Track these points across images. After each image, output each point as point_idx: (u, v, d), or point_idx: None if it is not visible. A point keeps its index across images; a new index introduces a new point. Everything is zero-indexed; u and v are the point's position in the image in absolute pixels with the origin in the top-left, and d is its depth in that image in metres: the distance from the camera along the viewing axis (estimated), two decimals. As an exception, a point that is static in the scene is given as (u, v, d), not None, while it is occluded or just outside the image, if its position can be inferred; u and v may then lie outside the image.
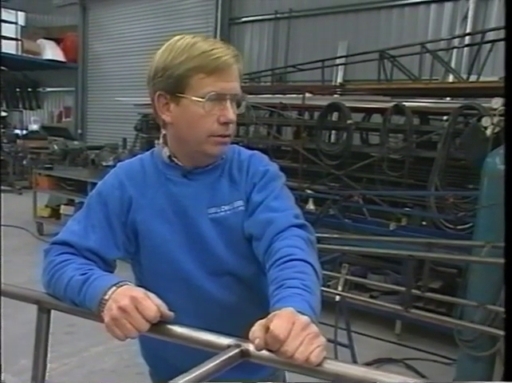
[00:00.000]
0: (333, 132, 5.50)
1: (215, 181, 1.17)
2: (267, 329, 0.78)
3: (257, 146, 4.64)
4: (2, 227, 5.30)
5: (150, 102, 1.15)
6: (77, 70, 11.22)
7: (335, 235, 3.27)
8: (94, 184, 1.22)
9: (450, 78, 5.26)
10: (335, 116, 4.92)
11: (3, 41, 9.73)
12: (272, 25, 7.74)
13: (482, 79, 4.57)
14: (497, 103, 3.19)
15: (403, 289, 2.55)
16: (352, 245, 3.08)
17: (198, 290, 1.15)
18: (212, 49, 1.05)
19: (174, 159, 1.16)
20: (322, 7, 7.08)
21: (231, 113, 1.09)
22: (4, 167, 9.47)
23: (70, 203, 6.15)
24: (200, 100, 1.06)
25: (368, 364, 3.11)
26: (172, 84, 1.07)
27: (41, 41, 11.02)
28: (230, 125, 1.10)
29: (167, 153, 1.17)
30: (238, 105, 1.13)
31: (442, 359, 3.32)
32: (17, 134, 10.72)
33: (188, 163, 1.16)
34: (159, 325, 0.91)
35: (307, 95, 4.79)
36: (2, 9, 10.40)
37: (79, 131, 11.15)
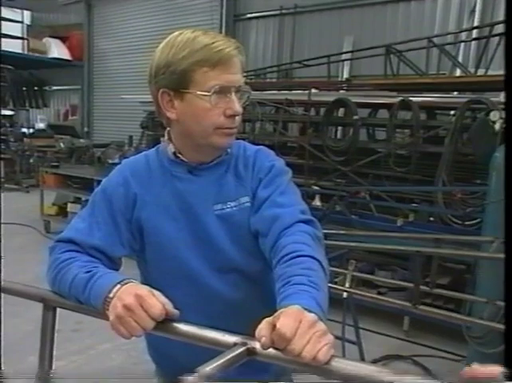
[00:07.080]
0: (340, 127, 5.48)
1: (221, 177, 1.16)
2: (274, 327, 0.77)
3: (263, 142, 4.62)
4: (10, 226, 5.34)
5: (152, 100, 1.14)
6: (83, 68, 11.23)
7: (342, 232, 3.25)
8: (100, 182, 1.21)
9: (458, 72, 5.21)
10: (341, 111, 4.89)
11: (9, 41, 9.77)
12: (277, 21, 7.70)
13: (490, 73, 4.52)
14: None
15: (411, 285, 2.53)
16: (359, 241, 3.05)
17: (204, 288, 1.14)
18: (214, 42, 1.04)
19: (179, 155, 1.15)
20: (327, 2, 7.03)
21: (237, 105, 1.08)
22: (11, 165, 9.53)
23: (77, 200, 6.16)
24: (206, 94, 1.04)
25: (375, 361, 3.09)
26: (176, 80, 1.06)
27: (47, 40, 11.06)
28: (236, 118, 1.09)
29: (172, 149, 1.16)
30: (242, 97, 1.11)
31: (450, 356, 3.29)
32: (24, 132, 10.76)
33: (194, 158, 1.15)
34: (164, 323, 0.90)
35: (313, 91, 4.77)
36: (8, 9, 10.43)
37: (85, 129, 11.19)
